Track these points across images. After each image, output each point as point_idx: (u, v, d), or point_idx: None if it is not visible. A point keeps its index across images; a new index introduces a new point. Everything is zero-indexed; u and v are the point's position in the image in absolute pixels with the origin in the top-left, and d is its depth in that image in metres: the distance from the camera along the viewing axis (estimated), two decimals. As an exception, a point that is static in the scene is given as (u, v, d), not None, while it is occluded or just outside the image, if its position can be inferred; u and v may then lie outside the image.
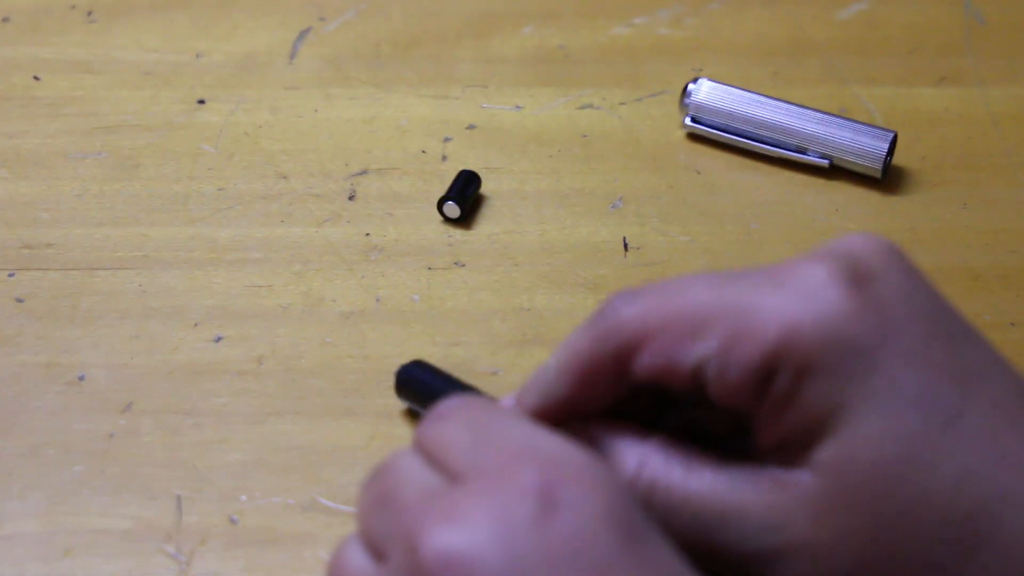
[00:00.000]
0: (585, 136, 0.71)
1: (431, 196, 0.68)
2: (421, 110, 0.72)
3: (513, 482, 0.43)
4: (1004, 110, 0.73)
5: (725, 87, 0.70)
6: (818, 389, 0.44)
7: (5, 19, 0.77)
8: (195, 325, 0.63)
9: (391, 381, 0.59)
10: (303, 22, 0.77)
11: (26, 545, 0.55)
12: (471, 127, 0.72)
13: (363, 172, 0.69)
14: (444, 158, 0.70)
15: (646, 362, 0.46)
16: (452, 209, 0.66)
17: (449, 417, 0.47)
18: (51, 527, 0.55)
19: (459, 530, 0.42)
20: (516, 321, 0.63)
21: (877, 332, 0.44)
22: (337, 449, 0.58)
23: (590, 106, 0.73)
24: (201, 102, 0.72)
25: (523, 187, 0.69)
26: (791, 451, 0.45)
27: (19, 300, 0.63)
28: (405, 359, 0.60)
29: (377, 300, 0.64)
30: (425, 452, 0.46)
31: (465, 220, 0.67)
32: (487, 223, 0.67)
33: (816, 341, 0.44)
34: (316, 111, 0.72)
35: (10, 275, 0.64)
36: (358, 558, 0.45)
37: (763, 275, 0.46)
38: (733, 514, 0.46)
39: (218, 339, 0.62)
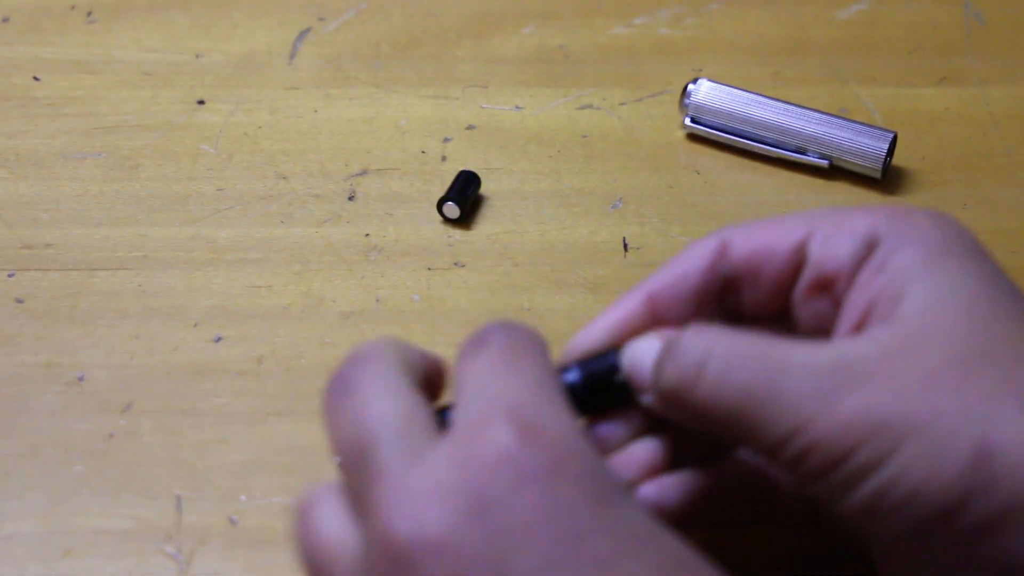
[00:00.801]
0: (585, 136, 0.71)
1: (431, 196, 0.68)
2: (421, 110, 0.72)
3: (488, 443, 0.42)
4: (1004, 110, 0.73)
5: (725, 87, 0.70)
6: (915, 254, 0.47)
7: (5, 19, 0.76)
8: (195, 325, 0.63)
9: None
10: (303, 22, 0.77)
11: (26, 545, 0.55)
12: (471, 127, 0.72)
13: (363, 172, 0.69)
14: (444, 158, 0.70)
15: (748, 240, 0.50)
16: (452, 209, 0.66)
17: (482, 351, 0.46)
18: (51, 527, 0.55)
19: (432, 512, 0.42)
20: (516, 321, 0.63)
21: (978, 242, 0.48)
22: (337, 449, 0.58)
23: (590, 106, 0.73)
24: (201, 102, 0.72)
25: (523, 187, 0.69)
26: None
27: (19, 300, 0.63)
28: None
29: (377, 300, 0.64)
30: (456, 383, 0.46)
31: (465, 220, 0.67)
32: (487, 223, 0.67)
33: (927, 222, 0.48)
34: (316, 111, 0.72)
35: (10, 275, 0.64)
36: (334, 520, 0.45)
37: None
38: (797, 363, 0.45)
39: (218, 339, 0.62)
